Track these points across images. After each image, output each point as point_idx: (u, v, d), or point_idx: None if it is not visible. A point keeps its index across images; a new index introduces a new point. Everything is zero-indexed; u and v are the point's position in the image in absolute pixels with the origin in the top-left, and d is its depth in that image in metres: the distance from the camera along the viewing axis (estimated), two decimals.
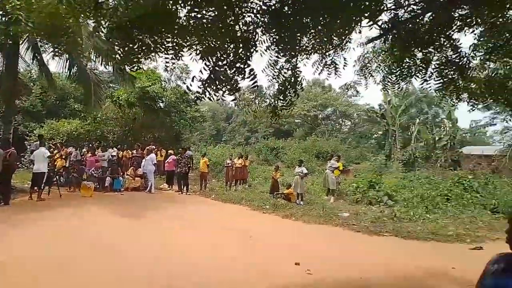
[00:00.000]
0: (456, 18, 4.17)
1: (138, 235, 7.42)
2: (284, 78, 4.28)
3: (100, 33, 3.14)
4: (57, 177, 12.31)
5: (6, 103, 12.89)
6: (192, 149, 19.86)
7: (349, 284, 5.19)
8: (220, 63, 3.50)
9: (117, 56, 3.36)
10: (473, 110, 5.55)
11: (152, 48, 3.32)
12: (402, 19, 4.33)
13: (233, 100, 8.29)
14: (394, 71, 5.03)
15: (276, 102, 4.42)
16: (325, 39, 4.27)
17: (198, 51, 3.45)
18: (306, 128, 27.75)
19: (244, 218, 9.98)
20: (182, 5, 3.11)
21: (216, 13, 3.18)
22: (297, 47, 4.15)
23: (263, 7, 3.45)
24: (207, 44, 3.42)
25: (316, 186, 14.94)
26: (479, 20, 4.05)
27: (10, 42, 11.49)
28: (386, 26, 4.33)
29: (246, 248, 6.79)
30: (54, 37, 6.85)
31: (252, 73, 3.65)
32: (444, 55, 4.54)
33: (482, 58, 4.60)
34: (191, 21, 3.21)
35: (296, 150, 20.88)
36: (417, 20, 4.34)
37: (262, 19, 3.55)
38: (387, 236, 8.26)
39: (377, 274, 5.55)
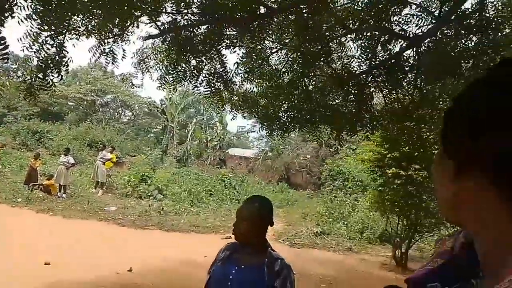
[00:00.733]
0: (226, 36, 4.72)
1: None
2: (46, 55, 3.77)
3: None
4: None
5: None
6: None
7: (85, 284, 5.01)
8: None
9: None
10: (234, 119, 6.44)
11: None
12: (180, 24, 4.55)
13: None
14: (171, 72, 5.23)
15: (33, 80, 3.85)
16: (103, 25, 4.04)
17: None
18: (81, 113, 25.20)
19: None
20: None
21: None
22: (66, 24, 3.75)
23: None
24: None
25: (85, 178, 13.80)
26: (241, 43, 4.71)
27: None
28: (165, 28, 4.46)
29: None
30: None
31: (3, 42, 3.10)
32: (213, 67, 5.05)
33: (242, 76, 5.36)
34: None
35: (66, 136, 18.58)
36: (194, 29, 4.67)
37: None
38: (152, 230, 8.51)
39: (135, 266, 5.60)
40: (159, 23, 4.40)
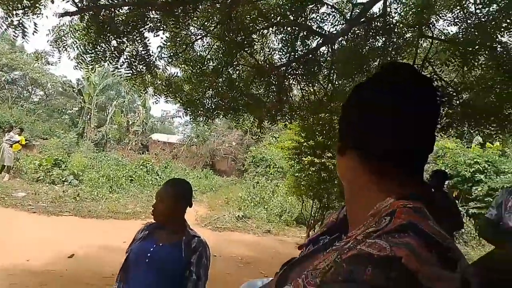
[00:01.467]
0: (149, 19, 4.64)
1: None
2: None
3: None
4: None
5: None
6: None
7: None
8: None
9: None
10: (157, 103, 6.35)
11: None
12: (100, 3, 4.37)
13: None
14: (89, 51, 4.98)
15: None
16: None
17: None
18: None
19: None
20: None
21: None
22: None
23: None
24: None
25: None
26: (165, 27, 4.67)
27: None
28: (83, 5, 4.24)
29: None
30: None
31: None
32: (135, 49, 4.93)
33: (166, 60, 5.32)
34: None
35: None
36: (115, 9, 4.50)
37: None
38: (67, 216, 8.07)
39: (42, 254, 5.32)
40: (76, 0, 4.17)
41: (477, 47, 3.85)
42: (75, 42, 5.34)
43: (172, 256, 1.96)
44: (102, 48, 4.90)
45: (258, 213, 10.61)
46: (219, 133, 22.01)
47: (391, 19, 4.76)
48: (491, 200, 3.08)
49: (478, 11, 4.32)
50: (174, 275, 1.93)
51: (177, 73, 5.86)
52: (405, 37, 4.85)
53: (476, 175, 10.41)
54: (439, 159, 11.45)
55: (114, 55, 4.93)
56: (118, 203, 9.99)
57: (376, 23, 4.67)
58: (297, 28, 4.63)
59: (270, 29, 4.76)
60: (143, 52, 4.95)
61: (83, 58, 5.11)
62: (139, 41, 4.87)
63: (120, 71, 5.09)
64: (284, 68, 4.99)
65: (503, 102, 3.99)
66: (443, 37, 4.56)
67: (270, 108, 5.40)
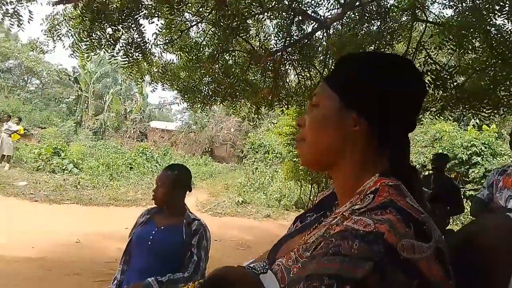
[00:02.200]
0: (143, 6, 4.63)
1: None
2: None
3: None
4: None
5: None
6: None
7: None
8: None
9: None
10: (154, 91, 6.37)
11: None
12: None
13: None
14: (84, 39, 4.98)
15: None
16: None
17: None
18: None
19: None
20: None
21: None
22: None
23: None
24: None
25: None
26: (160, 14, 4.66)
27: None
28: None
29: None
30: None
31: None
32: (131, 36, 4.93)
33: (161, 47, 5.32)
34: None
35: None
36: None
37: None
38: (68, 204, 8.17)
39: (46, 241, 5.42)
40: None
41: (471, 30, 3.87)
42: (69, 31, 5.34)
43: (173, 238, 2.03)
44: (97, 36, 4.89)
45: (257, 198, 10.73)
46: (218, 119, 22.02)
47: (385, 3, 4.76)
48: (485, 180, 3.17)
49: None
50: (175, 257, 2.01)
51: (173, 60, 5.87)
52: (399, 21, 4.86)
53: (473, 158, 10.51)
54: (437, 142, 11.53)
55: (109, 43, 4.92)
56: (119, 190, 10.09)
57: (370, 8, 4.67)
58: (292, 13, 4.63)
59: (265, 14, 4.76)
60: (138, 40, 4.95)
61: (78, 46, 5.11)
62: (135, 28, 4.87)
63: (116, 59, 5.09)
64: (280, 53, 5.00)
65: (496, 85, 4.03)
66: (437, 21, 4.58)
67: (267, 94, 5.42)
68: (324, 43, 4.96)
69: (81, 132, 18.83)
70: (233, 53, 5.25)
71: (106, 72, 22.71)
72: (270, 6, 4.46)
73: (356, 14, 4.74)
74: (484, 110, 4.21)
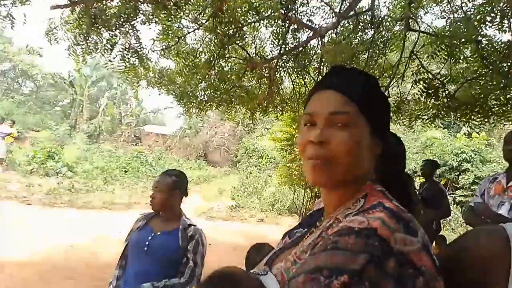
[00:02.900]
0: (141, 11, 4.68)
1: None
2: None
3: None
4: None
5: None
6: None
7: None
8: None
9: None
10: (150, 96, 6.38)
11: None
12: None
13: None
14: (80, 43, 5.00)
15: None
16: None
17: None
18: None
19: None
20: None
21: None
22: None
23: None
24: None
25: None
26: (157, 20, 4.71)
27: None
28: None
29: None
30: None
31: None
32: (128, 42, 4.96)
33: (158, 53, 5.36)
34: None
35: None
36: (106, 2, 4.53)
37: None
38: (62, 208, 8.13)
39: (40, 245, 5.40)
40: None
41: (462, 40, 3.96)
42: (66, 34, 5.35)
43: (169, 244, 2.06)
44: (94, 40, 4.93)
45: (251, 203, 10.76)
46: (212, 124, 22.02)
47: (379, 13, 4.85)
48: (477, 188, 3.25)
49: (464, 4, 4.43)
50: (171, 262, 2.03)
51: (169, 66, 5.90)
52: (393, 30, 4.95)
53: (462, 164, 10.64)
54: (427, 149, 11.66)
55: (106, 47, 4.96)
56: (113, 194, 10.07)
57: (364, 17, 4.76)
58: (287, 22, 4.70)
59: (261, 22, 4.83)
60: (135, 45, 4.99)
61: (74, 49, 5.13)
62: (132, 33, 4.91)
63: (113, 64, 5.13)
64: (275, 60, 5.06)
65: (487, 94, 4.11)
66: (430, 31, 4.67)
67: (262, 100, 5.48)
68: (318, 51, 5.02)
69: (76, 135, 18.72)
70: (229, 60, 5.30)
71: (101, 76, 22.65)
72: (266, 14, 4.53)
73: (351, 23, 4.83)
74: (475, 118, 4.30)
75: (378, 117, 0.75)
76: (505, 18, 3.56)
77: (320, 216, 0.87)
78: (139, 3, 4.57)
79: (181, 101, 5.96)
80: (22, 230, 5.98)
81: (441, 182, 9.95)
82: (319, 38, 4.82)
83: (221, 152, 21.82)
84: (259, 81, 5.45)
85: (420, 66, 4.28)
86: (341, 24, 4.77)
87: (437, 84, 4.22)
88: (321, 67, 5.14)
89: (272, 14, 4.55)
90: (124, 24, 4.74)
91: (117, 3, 4.60)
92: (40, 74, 23.38)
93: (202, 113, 6.40)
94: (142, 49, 5.07)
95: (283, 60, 5.14)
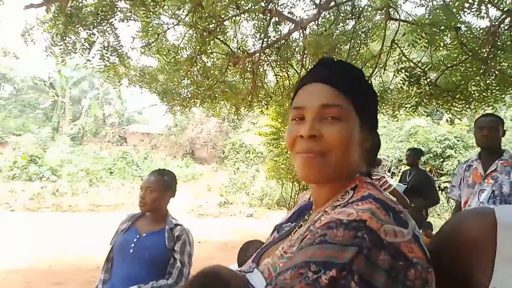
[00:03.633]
0: (118, 9, 4.57)
1: None
2: None
3: None
4: None
5: None
6: None
7: None
8: None
9: None
10: (132, 95, 6.28)
11: None
12: None
13: None
14: (58, 43, 4.87)
15: None
16: None
17: None
18: None
19: None
20: None
21: None
22: None
23: None
24: None
25: None
26: (136, 17, 4.61)
27: None
28: None
29: None
30: None
31: None
32: (106, 40, 4.85)
33: (138, 50, 5.25)
34: None
35: None
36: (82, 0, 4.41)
37: None
38: (46, 212, 7.98)
39: (25, 251, 5.29)
40: None
41: (442, 27, 3.99)
42: (42, 34, 5.20)
43: (156, 245, 2.02)
44: (72, 40, 4.80)
45: (239, 199, 10.75)
46: (198, 121, 21.88)
47: (359, 3, 4.85)
48: (453, 178, 3.34)
49: None
50: (158, 263, 2.00)
51: (151, 63, 5.81)
52: (373, 20, 4.95)
53: (446, 151, 10.83)
54: (412, 137, 11.82)
55: (84, 46, 4.83)
56: (99, 196, 9.92)
57: (345, 8, 4.75)
58: (268, 14, 4.66)
59: (242, 16, 4.77)
60: (114, 43, 4.88)
61: (52, 50, 4.99)
62: (110, 32, 4.79)
63: (92, 64, 5.00)
64: (257, 54, 5.02)
65: (467, 80, 4.17)
66: (410, 19, 4.69)
67: (246, 95, 5.44)
68: (300, 43, 5.00)
69: (59, 138, 18.36)
70: (211, 55, 5.24)
71: (82, 77, 22.21)
72: (247, 7, 4.48)
73: (331, 14, 4.81)
74: (457, 105, 4.35)
75: (368, 111, 0.75)
76: (483, 4, 3.59)
77: (309, 209, 0.85)
78: (116, 0, 4.47)
79: (164, 99, 5.86)
80: (6, 237, 5.84)
81: (426, 169, 10.17)
82: (301, 30, 4.79)
83: (208, 149, 21.73)
84: (243, 75, 5.40)
85: (401, 55, 4.30)
86: (322, 15, 4.75)
87: (419, 72, 4.25)
88: (304, 59, 5.12)
89: (253, 7, 4.50)
90: (101, 22, 4.63)
91: (93, 0, 4.49)
92: (19, 77, 22.82)
93: (186, 110, 6.32)
94: (121, 47, 4.96)
95: (266, 54, 5.10)
